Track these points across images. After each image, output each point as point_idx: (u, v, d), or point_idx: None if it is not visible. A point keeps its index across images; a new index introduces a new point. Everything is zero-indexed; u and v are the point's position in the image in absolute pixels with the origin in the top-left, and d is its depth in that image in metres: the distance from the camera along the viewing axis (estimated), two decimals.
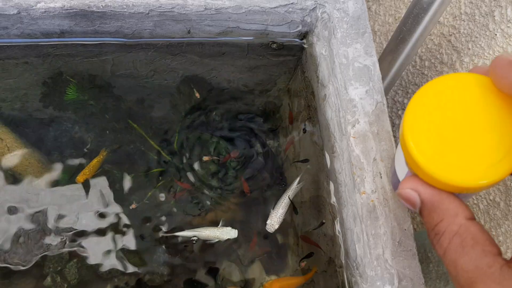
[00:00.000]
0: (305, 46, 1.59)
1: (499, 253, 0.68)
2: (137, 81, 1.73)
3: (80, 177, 1.72)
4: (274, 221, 1.61)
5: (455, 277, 0.69)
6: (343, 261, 1.34)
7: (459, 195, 0.75)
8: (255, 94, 1.96)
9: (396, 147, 1.01)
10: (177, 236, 1.79)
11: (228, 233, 1.67)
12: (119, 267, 1.85)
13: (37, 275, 1.84)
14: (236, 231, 1.68)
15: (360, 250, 1.24)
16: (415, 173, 0.79)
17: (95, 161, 1.72)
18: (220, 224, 1.72)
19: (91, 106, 1.79)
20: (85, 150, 1.90)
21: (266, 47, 1.64)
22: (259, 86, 1.91)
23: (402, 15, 1.61)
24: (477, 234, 0.66)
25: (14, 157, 1.90)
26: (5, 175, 1.89)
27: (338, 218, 1.37)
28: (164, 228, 1.82)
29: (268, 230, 1.62)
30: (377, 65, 1.40)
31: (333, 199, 1.39)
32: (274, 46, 1.58)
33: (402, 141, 0.79)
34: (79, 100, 1.76)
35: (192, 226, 1.77)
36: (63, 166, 1.94)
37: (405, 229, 1.23)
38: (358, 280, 1.24)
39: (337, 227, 1.36)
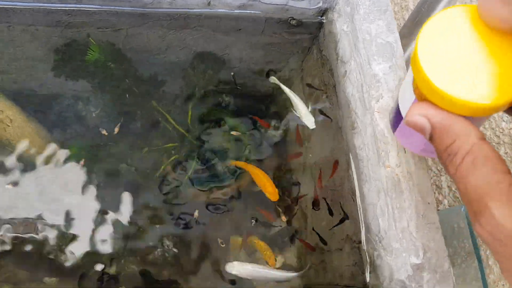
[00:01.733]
0: (324, 22, 1.58)
1: (509, 172, 0.69)
2: (149, 55, 1.69)
3: None
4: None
5: (464, 194, 0.71)
6: (363, 237, 1.34)
7: (470, 118, 0.76)
8: (265, 73, 1.95)
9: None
10: None
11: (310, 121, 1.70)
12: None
13: (40, 253, 1.79)
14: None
15: (384, 224, 1.24)
16: (423, 100, 0.80)
17: None
18: None
19: (110, 69, 1.71)
20: (94, 115, 1.86)
21: (284, 24, 1.62)
22: (270, 65, 1.89)
23: None
24: (488, 153, 0.68)
25: (16, 130, 1.83)
26: (4, 151, 1.82)
27: (358, 194, 1.37)
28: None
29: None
30: (399, 42, 1.40)
31: (354, 175, 1.39)
32: (294, 22, 1.57)
33: (414, 64, 0.80)
34: (99, 62, 1.68)
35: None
36: (68, 140, 1.89)
37: (428, 203, 1.23)
38: (381, 253, 1.24)
39: (358, 202, 1.36)
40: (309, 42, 1.72)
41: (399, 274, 1.19)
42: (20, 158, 1.81)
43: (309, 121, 1.71)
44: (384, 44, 1.39)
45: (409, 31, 1.77)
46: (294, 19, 1.58)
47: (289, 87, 2.01)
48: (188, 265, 1.77)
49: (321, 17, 1.58)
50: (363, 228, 1.34)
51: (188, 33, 1.64)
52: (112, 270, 1.76)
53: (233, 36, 1.67)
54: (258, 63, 1.86)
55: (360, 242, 1.36)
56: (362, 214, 1.35)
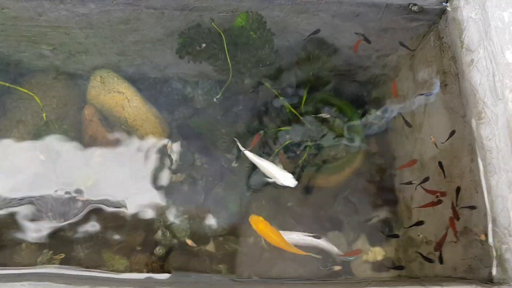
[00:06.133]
0: (449, 9, 1.54)
1: None
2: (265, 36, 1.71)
3: None
4: None
5: None
6: (490, 230, 1.31)
7: None
8: (372, 59, 1.92)
9: None
10: None
11: (289, 180, 1.63)
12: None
13: (147, 229, 1.89)
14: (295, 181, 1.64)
15: None
16: None
17: None
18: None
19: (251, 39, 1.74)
20: (215, 100, 1.95)
21: (403, 10, 1.59)
22: (380, 51, 1.87)
23: None
24: None
25: (134, 109, 1.94)
26: (121, 130, 1.93)
27: (484, 186, 1.34)
28: None
29: None
30: None
31: (480, 166, 1.35)
32: (415, 8, 1.54)
33: None
34: (243, 29, 1.70)
35: None
36: (179, 120, 1.98)
37: None
38: (511, 247, 1.21)
39: (485, 194, 1.33)
40: (426, 28, 1.68)
41: None
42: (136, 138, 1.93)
43: (287, 179, 1.63)
44: None
45: None
46: (415, 5, 1.54)
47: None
48: None
49: (445, 3, 1.54)
50: (490, 220, 1.31)
51: (304, 18, 1.65)
52: None
53: (350, 21, 1.66)
54: (366, 49, 1.84)
55: (484, 234, 1.33)
56: (489, 206, 1.31)
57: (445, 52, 1.58)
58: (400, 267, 1.72)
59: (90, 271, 1.59)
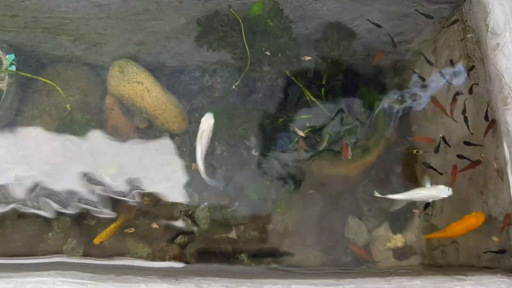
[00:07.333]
0: None
1: None
2: (283, 24, 1.69)
3: (97, 240, 1.72)
4: None
5: None
6: None
7: None
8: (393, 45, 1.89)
9: None
10: None
11: (443, 191, 1.52)
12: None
13: (168, 217, 1.92)
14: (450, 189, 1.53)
15: None
16: None
17: (113, 226, 1.72)
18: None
19: (268, 27, 1.70)
20: (234, 87, 1.94)
21: None
22: (400, 36, 1.83)
23: None
24: None
25: (153, 99, 1.95)
26: (141, 119, 1.95)
27: (510, 174, 1.31)
28: None
29: None
30: None
31: (506, 153, 1.32)
32: None
33: None
34: (260, 17, 1.68)
35: None
36: (197, 110, 1.98)
37: None
38: None
39: (511, 182, 1.30)
40: (449, 11, 1.63)
41: None
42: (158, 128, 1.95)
43: (443, 192, 1.51)
44: None
45: None
46: None
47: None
48: None
49: None
50: None
51: (323, 4, 1.62)
52: None
53: (370, 5, 1.63)
54: (388, 34, 1.80)
55: (510, 223, 1.31)
56: None
57: (467, 36, 1.54)
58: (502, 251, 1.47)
59: (113, 259, 1.63)
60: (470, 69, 1.53)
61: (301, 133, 1.74)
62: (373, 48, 1.88)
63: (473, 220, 1.40)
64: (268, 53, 1.71)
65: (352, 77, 1.88)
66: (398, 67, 2.00)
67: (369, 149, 1.77)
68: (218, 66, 1.99)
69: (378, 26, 1.70)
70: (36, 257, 1.61)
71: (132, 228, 1.77)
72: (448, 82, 1.67)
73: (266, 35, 1.68)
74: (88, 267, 1.44)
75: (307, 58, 1.79)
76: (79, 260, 1.60)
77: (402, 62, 2.01)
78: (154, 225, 1.80)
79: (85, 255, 1.67)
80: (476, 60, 1.50)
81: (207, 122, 1.69)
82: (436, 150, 1.63)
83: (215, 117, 1.69)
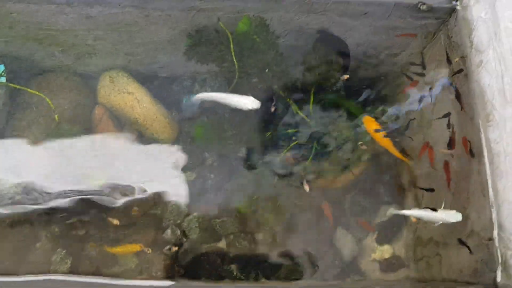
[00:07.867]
0: (458, 8, 1.51)
1: None
2: (269, 40, 1.71)
3: (112, 249, 1.72)
4: None
5: None
6: (496, 234, 1.30)
7: None
8: (380, 58, 1.90)
9: None
10: None
11: (454, 216, 1.46)
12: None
13: (157, 228, 1.92)
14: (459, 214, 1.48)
15: None
16: None
17: (131, 247, 1.74)
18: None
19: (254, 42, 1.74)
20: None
21: (412, 8, 1.56)
22: (388, 50, 1.85)
23: None
24: None
25: (143, 110, 1.95)
26: (131, 129, 1.95)
27: (490, 189, 1.32)
28: None
29: None
30: None
31: (487, 170, 1.34)
32: (424, 7, 1.51)
33: None
34: (247, 33, 1.70)
35: None
36: (186, 121, 1.99)
37: None
38: None
39: (491, 199, 1.31)
40: (435, 27, 1.65)
41: None
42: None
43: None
44: None
45: None
46: (424, 3, 1.52)
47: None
48: None
49: (455, 1, 1.51)
50: (496, 225, 1.30)
51: (312, 18, 1.64)
52: None
53: (358, 20, 1.65)
54: (376, 48, 1.82)
55: (490, 239, 1.32)
56: (495, 211, 1.30)
57: (452, 51, 1.56)
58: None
59: (95, 277, 1.62)
60: (453, 84, 1.55)
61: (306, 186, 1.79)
62: (359, 60, 1.90)
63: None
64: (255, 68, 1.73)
65: (340, 90, 1.89)
66: (387, 80, 2.02)
67: (355, 163, 1.78)
68: (208, 76, 2.00)
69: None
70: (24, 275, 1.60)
71: (150, 249, 1.78)
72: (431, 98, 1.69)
73: (253, 51, 1.69)
74: (70, 285, 1.44)
75: (346, 77, 1.82)
76: (66, 278, 1.59)
77: (391, 75, 2.03)
78: (115, 222, 1.79)
79: (74, 266, 1.67)
80: (461, 77, 1.51)
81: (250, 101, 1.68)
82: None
83: (205, 128, 1.70)
